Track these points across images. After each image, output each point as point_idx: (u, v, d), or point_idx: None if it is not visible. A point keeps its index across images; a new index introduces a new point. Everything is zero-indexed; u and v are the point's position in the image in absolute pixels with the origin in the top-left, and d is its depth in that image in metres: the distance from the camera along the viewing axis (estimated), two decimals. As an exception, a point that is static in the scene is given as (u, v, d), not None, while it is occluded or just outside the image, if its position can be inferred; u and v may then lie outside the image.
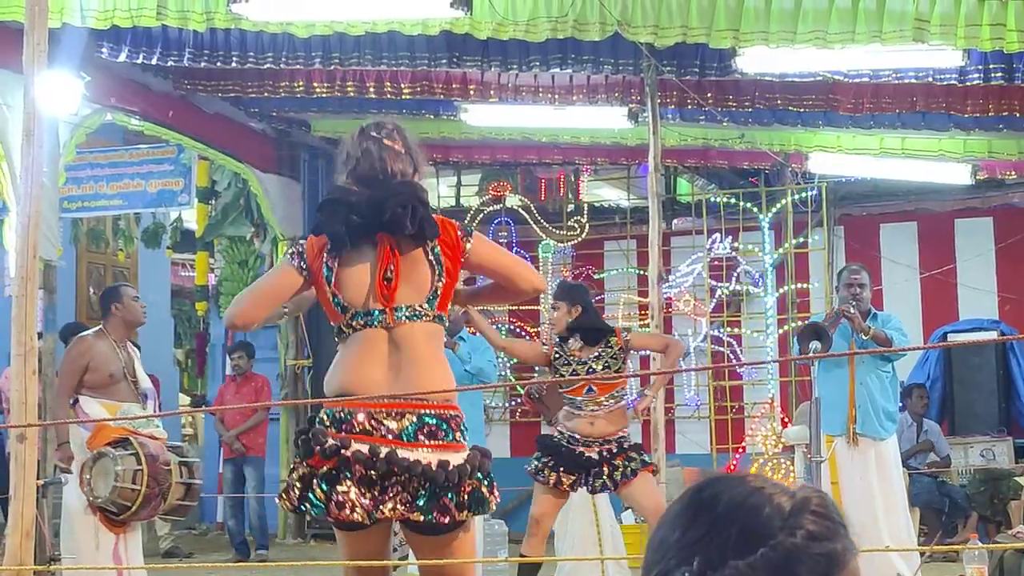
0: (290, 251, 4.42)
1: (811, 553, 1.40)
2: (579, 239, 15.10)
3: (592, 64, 10.02)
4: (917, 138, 12.13)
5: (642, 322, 14.86)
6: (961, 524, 11.59)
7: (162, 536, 12.19)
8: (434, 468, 4.12)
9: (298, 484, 4.21)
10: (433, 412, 4.22)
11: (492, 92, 11.13)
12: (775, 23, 8.43)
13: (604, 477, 7.58)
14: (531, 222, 15.00)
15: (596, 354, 7.67)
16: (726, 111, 11.27)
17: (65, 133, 11.22)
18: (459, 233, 4.35)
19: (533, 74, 10.79)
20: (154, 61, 10.48)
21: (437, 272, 4.28)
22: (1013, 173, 13.14)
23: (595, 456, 7.60)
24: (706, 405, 14.54)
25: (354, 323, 4.30)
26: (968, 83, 9.73)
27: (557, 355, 7.80)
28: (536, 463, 7.74)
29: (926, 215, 14.38)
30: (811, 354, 7.51)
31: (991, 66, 9.39)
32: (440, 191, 16.08)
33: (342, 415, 4.20)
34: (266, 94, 11.71)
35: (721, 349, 14.45)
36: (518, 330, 14.81)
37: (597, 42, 9.45)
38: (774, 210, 14.43)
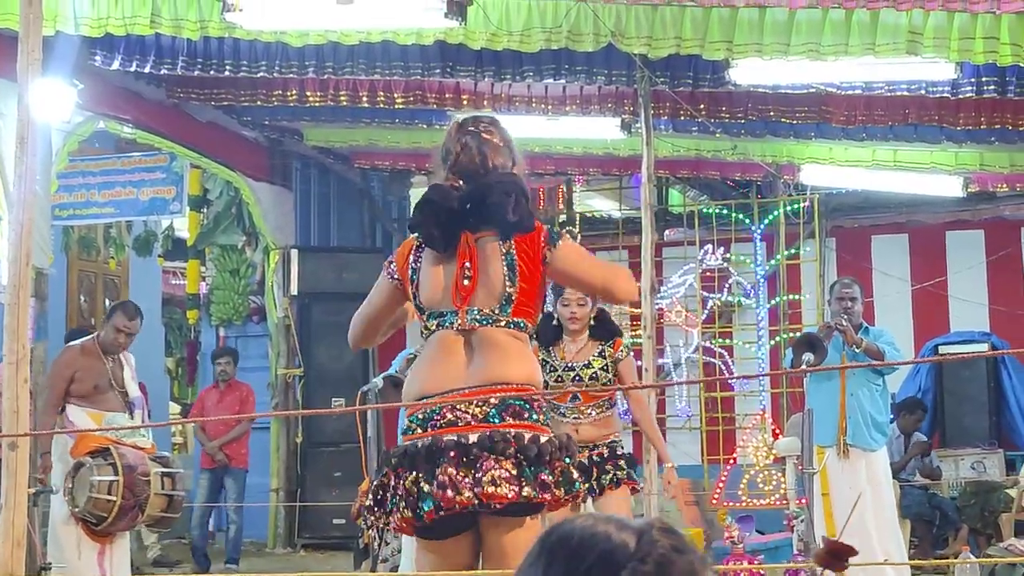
0: (385, 263, 4.46)
1: (673, 561, 1.41)
2: (571, 249, 15.06)
3: (586, 75, 10.02)
4: (909, 150, 12.15)
5: (634, 333, 14.86)
6: (952, 536, 11.59)
7: (149, 545, 12.15)
8: (526, 441, 4.09)
9: (414, 489, 4.13)
10: (515, 395, 4.19)
11: (485, 102, 11.12)
12: (768, 35, 8.44)
13: (591, 481, 7.05)
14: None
15: (586, 361, 7.17)
16: (719, 122, 11.27)
17: (58, 140, 11.21)
18: (542, 238, 4.28)
19: (526, 84, 10.79)
20: (147, 69, 10.46)
21: (509, 277, 4.23)
22: (1004, 186, 13.16)
23: (584, 462, 7.00)
24: (697, 416, 14.55)
25: (429, 324, 4.30)
26: (961, 96, 9.74)
27: (542, 362, 7.10)
28: None
29: (918, 227, 14.40)
30: (804, 365, 7.52)
31: (984, 79, 9.40)
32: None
33: (425, 414, 4.20)
34: (259, 103, 11.70)
35: (713, 360, 14.45)
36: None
37: (591, 53, 9.45)
38: (766, 221, 14.45)
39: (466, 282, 4.21)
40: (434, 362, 4.27)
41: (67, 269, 15.54)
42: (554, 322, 7.17)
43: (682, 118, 11.31)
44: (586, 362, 7.19)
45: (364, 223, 15.75)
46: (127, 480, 7.45)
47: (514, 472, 4.06)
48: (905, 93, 9.92)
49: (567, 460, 4.17)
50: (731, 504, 12.70)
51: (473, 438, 4.08)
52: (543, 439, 4.14)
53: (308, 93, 11.26)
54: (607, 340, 7.19)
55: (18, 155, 6.04)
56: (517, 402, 4.18)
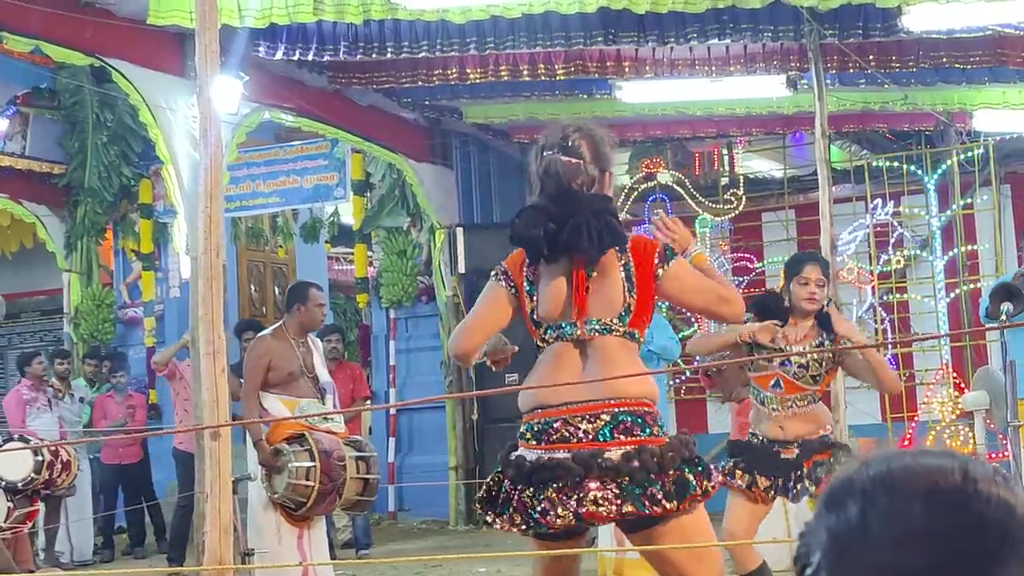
0: (494, 272, 4.42)
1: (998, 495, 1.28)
2: (736, 212, 14.88)
3: (751, 32, 9.83)
4: (1089, 89, 11.74)
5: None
6: None
7: (340, 528, 12.27)
8: (631, 462, 4.09)
9: (527, 503, 4.19)
10: (627, 409, 4.19)
11: (647, 68, 10.99)
12: (945, -24, 8.19)
13: (804, 479, 6.46)
14: (686, 197, 14.82)
15: (802, 348, 6.47)
16: (888, 73, 10.98)
17: (226, 133, 11.35)
18: (656, 256, 4.29)
19: (688, 47, 10.63)
20: (310, 57, 10.54)
21: (628, 288, 4.26)
22: None
23: (794, 457, 6.51)
24: (875, 374, 14.24)
25: (547, 336, 4.32)
26: None
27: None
28: (728, 465, 6.67)
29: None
30: (1003, 315, 7.26)
31: None
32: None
33: (539, 426, 4.23)
34: (420, 83, 11.70)
35: (891, 316, 14.13)
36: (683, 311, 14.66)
37: (757, 9, 9.27)
38: (938, 172, 14.06)
39: (582, 294, 4.23)
40: (550, 371, 4.29)
41: (236, 260, 15.82)
42: (785, 303, 6.55)
43: (851, 71, 11.04)
44: (801, 348, 6.49)
45: (525, 197, 15.64)
46: (324, 465, 7.51)
47: (616, 491, 4.09)
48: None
49: (684, 468, 4.16)
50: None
51: (582, 455, 4.11)
52: (647, 454, 4.11)
53: (468, 70, 11.23)
54: (830, 332, 6.47)
55: (202, 148, 6.08)
56: (629, 418, 4.18)
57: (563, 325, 4.27)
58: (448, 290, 14.12)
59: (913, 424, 13.22)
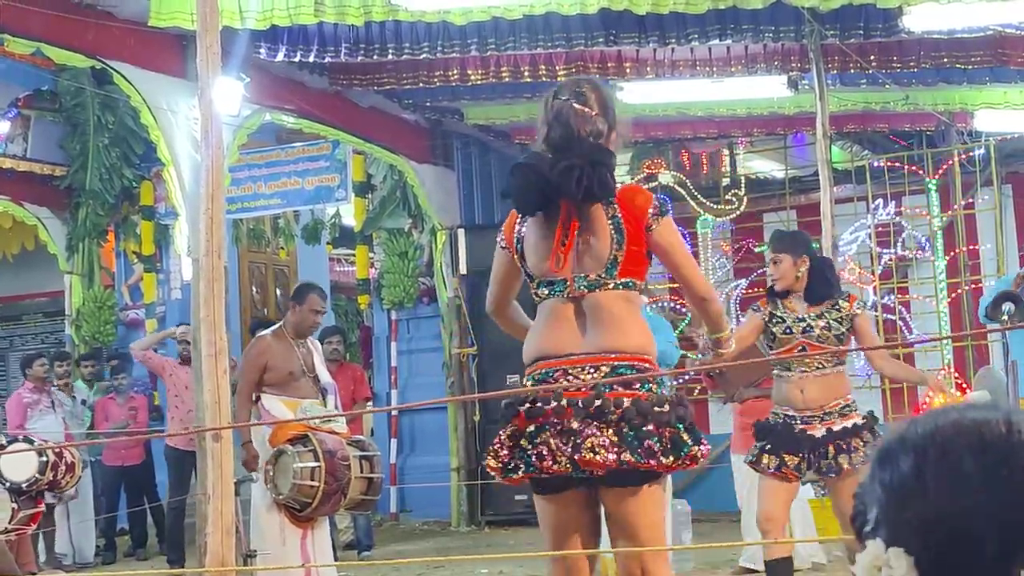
0: (498, 239, 4.53)
1: None
2: (737, 212, 14.87)
3: (752, 33, 9.84)
4: (1090, 89, 11.74)
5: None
6: None
7: (342, 529, 12.28)
8: (629, 406, 4.13)
9: (508, 443, 4.27)
10: (627, 363, 4.24)
11: (649, 69, 11.00)
12: (946, -24, 8.19)
13: (830, 458, 6.45)
14: (687, 198, 14.82)
15: (819, 312, 6.60)
16: (890, 73, 10.99)
17: (227, 135, 11.35)
18: (650, 207, 4.30)
19: (689, 48, 10.64)
20: (311, 58, 10.55)
21: (616, 240, 4.26)
22: None
23: (819, 435, 6.53)
24: (876, 374, 14.22)
25: (539, 292, 4.38)
26: None
27: (770, 316, 6.71)
28: (754, 452, 6.73)
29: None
30: (1005, 316, 7.27)
31: None
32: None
33: (539, 375, 4.30)
34: (421, 84, 11.70)
35: (891, 317, 14.12)
36: (681, 307, 14.66)
37: (758, 10, 9.27)
38: (940, 171, 14.05)
39: (563, 246, 4.26)
40: (548, 328, 4.33)
41: (238, 261, 15.82)
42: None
43: (851, 71, 11.05)
44: (819, 312, 6.63)
45: (526, 198, 15.71)
46: (329, 465, 7.52)
47: (615, 439, 4.11)
48: (1087, 28, 9.57)
49: (679, 425, 4.18)
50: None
51: (580, 401, 4.16)
52: (647, 404, 4.16)
53: (470, 71, 11.24)
54: (825, 300, 6.62)
55: (203, 149, 6.09)
56: (628, 371, 4.23)
57: (554, 281, 4.32)
58: (450, 291, 14.12)
59: (915, 424, 13.19)
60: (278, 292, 16.62)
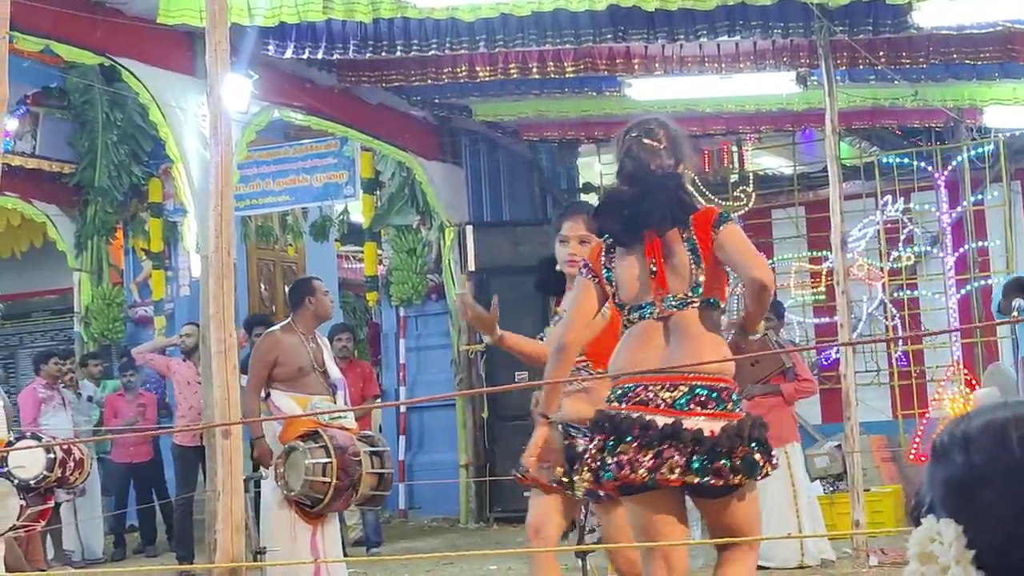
0: (580, 269, 4.81)
1: None
2: (746, 209, 14.86)
3: (761, 29, 9.82)
4: (1099, 85, 11.70)
5: (814, 290, 14.62)
6: None
7: (351, 526, 12.28)
8: (704, 433, 4.31)
9: (597, 455, 4.46)
10: (704, 384, 4.42)
11: (657, 65, 10.98)
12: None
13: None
14: (696, 194, 14.81)
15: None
16: (899, 69, 10.96)
17: (236, 132, 11.35)
18: (712, 220, 4.53)
19: (698, 44, 10.62)
20: (320, 55, 10.55)
21: (695, 261, 4.50)
22: None
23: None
24: (885, 371, 14.22)
25: (631, 317, 4.62)
26: None
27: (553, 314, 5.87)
28: None
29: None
30: (1016, 311, 7.26)
31: None
32: (599, 168, 16.00)
33: (621, 390, 4.51)
34: (429, 81, 11.70)
35: (901, 313, 14.10)
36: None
37: (767, 6, 9.26)
38: (949, 168, 14.03)
39: (653, 274, 4.52)
40: (635, 346, 4.58)
41: (246, 258, 15.83)
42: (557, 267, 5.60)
43: (860, 67, 11.02)
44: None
45: (535, 195, 15.75)
46: (340, 461, 7.51)
47: (687, 464, 4.33)
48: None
49: (752, 446, 4.37)
50: (930, 458, 12.35)
51: (660, 422, 4.34)
52: (719, 430, 4.33)
53: (478, 68, 11.23)
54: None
55: (212, 147, 6.08)
56: (705, 392, 4.41)
57: (643, 305, 4.56)
58: (458, 288, 14.11)
59: (924, 420, 13.19)
60: (286, 289, 16.57)
